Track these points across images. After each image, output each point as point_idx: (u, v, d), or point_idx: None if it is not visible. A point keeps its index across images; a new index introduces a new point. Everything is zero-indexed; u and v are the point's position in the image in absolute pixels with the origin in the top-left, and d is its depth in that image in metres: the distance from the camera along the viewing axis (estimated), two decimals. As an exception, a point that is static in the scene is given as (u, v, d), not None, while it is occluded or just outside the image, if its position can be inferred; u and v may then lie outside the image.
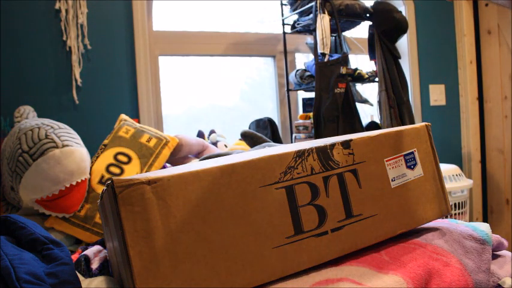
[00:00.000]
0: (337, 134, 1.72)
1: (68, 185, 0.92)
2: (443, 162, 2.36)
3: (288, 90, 2.08)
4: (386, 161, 0.67)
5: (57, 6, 1.63)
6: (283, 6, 2.05)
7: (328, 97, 1.74)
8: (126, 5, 1.77)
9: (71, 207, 0.94)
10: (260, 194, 0.57)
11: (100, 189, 1.01)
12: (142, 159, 1.10)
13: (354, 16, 1.90)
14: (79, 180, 0.95)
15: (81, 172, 0.96)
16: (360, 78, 1.90)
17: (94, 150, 1.13)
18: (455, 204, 1.96)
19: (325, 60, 1.77)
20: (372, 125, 2.03)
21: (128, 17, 1.77)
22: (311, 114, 1.86)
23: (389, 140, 0.68)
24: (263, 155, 0.59)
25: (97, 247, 0.77)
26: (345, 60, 1.79)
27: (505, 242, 0.69)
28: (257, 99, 2.28)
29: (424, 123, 0.73)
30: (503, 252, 0.70)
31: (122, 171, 1.06)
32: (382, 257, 0.62)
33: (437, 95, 2.49)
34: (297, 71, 1.99)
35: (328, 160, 0.62)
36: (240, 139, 1.60)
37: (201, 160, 1.09)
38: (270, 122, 1.90)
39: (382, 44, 1.92)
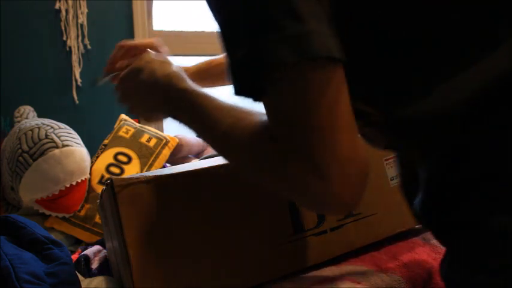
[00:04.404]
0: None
1: (68, 185, 0.92)
2: (443, 161, 2.36)
3: (288, 89, 2.08)
4: (385, 160, 0.67)
5: (57, 6, 1.63)
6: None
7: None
8: (126, 5, 1.77)
9: (71, 207, 0.95)
10: (260, 193, 0.57)
11: (100, 189, 1.01)
12: (142, 159, 1.10)
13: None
14: (79, 180, 0.95)
15: (81, 172, 0.96)
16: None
17: (94, 150, 1.13)
18: (455, 203, 1.96)
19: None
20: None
21: (128, 17, 1.77)
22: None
23: (388, 139, 0.68)
24: (262, 154, 0.59)
25: (97, 247, 0.77)
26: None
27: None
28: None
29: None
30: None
31: (122, 171, 1.06)
32: (382, 256, 0.62)
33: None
34: (297, 70, 1.98)
35: (327, 159, 0.62)
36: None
37: (201, 160, 1.09)
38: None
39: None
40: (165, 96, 0.53)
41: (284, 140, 0.38)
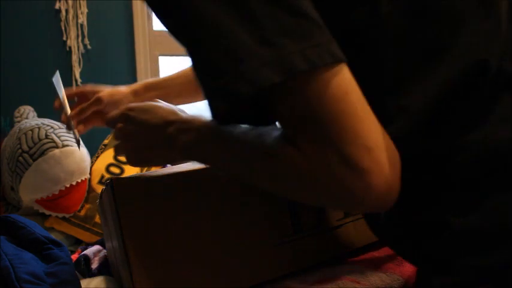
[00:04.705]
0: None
1: (68, 185, 0.92)
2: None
3: (288, 89, 2.08)
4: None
5: (57, 6, 1.63)
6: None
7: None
8: (126, 5, 1.77)
9: (71, 207, 0.95)
10: (260, 193, 0.57)
11: (100, 189, 1.01)
12: (142, 159, 1.10)
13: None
14: (79, 180, 0.95)
15: (81, 172, 0.96)
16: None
17: (94, 150, 1.13)
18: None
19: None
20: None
21: (128, 17, 1.77)
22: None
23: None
24: (262, 154, 0.59)
25: (97, 247, 0.77)
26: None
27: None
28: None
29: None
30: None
31: (122, 171, 1.06)
32: (381, 256, 0.62)
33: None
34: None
35: (327, 159, 0.62)
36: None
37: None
38: (270, 121, 1.90)
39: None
40: (180, 131, 0.50)
41: (307, 143, 0.36)
